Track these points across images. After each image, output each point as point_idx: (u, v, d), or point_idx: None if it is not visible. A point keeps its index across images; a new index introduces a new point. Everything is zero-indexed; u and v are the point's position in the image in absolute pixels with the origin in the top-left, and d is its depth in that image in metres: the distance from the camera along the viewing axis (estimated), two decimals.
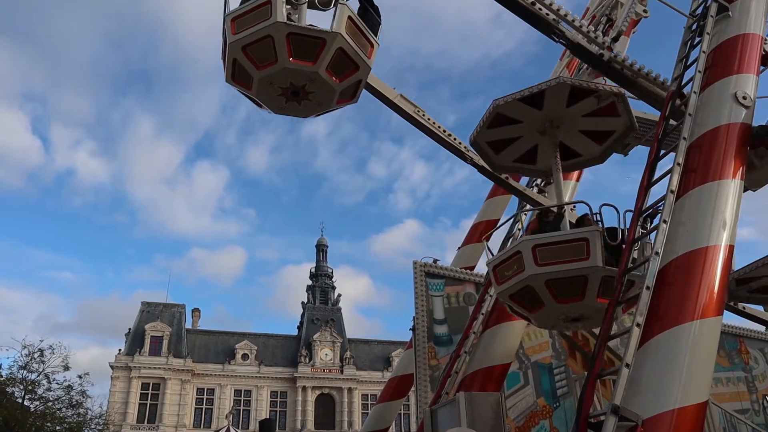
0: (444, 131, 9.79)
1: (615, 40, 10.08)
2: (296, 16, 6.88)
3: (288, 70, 6.81)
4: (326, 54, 6.72)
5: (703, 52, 7.96)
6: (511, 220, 10.50)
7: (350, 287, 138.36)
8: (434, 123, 9.67)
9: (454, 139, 9.85)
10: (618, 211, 7.02)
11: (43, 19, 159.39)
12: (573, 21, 8.75)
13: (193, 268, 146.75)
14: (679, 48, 8.66)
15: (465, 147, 9.81)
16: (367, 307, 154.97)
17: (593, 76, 10.69)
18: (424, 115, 9.57)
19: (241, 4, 7.01)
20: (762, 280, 10.68)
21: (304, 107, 7.50)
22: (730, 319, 14.76)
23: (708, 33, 8.12)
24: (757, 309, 11.04)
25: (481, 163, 9.38)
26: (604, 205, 7.13)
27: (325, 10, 7.01)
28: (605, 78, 9.44)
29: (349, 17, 6.79)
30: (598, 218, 7.13)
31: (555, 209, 7.75)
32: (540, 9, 8.60)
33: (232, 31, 6.73)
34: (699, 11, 8.73)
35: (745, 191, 7.19)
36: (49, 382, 41.66)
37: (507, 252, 7.09)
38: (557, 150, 8.15)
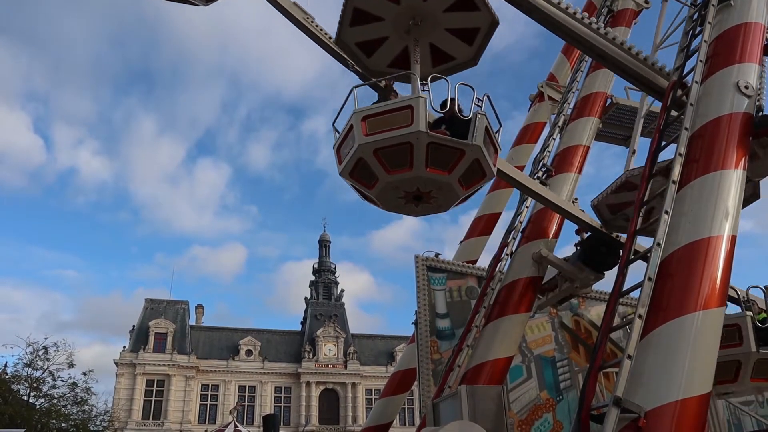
0: (330, 38, 9.41)
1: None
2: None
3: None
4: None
5: (705, 41, 7.90)
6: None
7: (351, 283, 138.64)
8: (322, 30, 9.34)
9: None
10: (449, 83, 6.80)
11: (45, 19, 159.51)
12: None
13: (195, 266, 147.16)
14: (680, 38, 8.61)
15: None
16: (367, 303, 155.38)
17: None
18: (312, 21, 9.29)
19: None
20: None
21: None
22: (735, 310, 14.71)
23: (709, 22, 8.06)
24: (759, 297, 10.94)
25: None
26: (435, 78, 6.97)
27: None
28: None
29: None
30: (426, 88, 6.78)
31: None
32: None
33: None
34: (700, 1, 8.68)
35: (747, 181, 7.16)
36: (54, 380, 41.97)
37: (343, 130, 6.87)
38: (416, 46, 7.76)
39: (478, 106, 6.68)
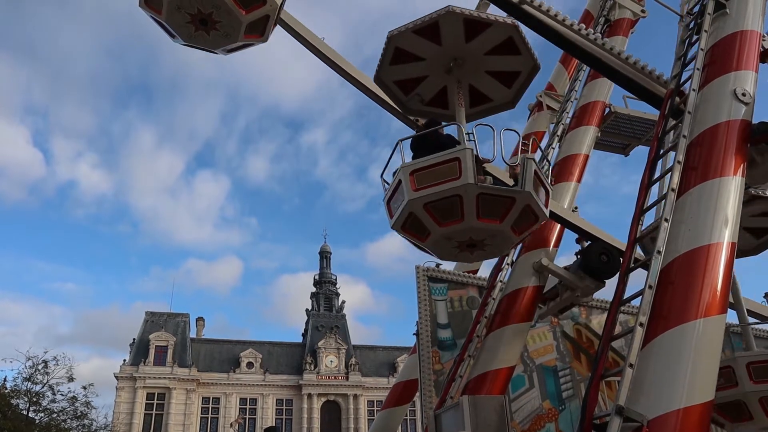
0: (347, 64, 9.45)
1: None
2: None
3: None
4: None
5: (701, 49, 7.94)
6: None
7: (348, 295, 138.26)
8: (362, 75, 9.39)
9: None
10: (494, 129, 6.83)
11: (43, 32, 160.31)
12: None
13: (191, 278, 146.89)
14: (676, 46, 8.65)
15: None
16: (364, 315, 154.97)
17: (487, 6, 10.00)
18: (351, 66, 9.34)
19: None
20: None
21: (213, 38, 7.52)
22: (735, 318, 14.67)
23: (706, 30, 8.11)
24: (761, 305, 10.94)
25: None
26: (479, 124, 7.00)
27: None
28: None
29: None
30: (472, 138, 6.90)
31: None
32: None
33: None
34: (696, 9, 8.73)
35: (746, 188, 7.17)
36: (54, 394, 41.65)
37: (392, 184, 6.91)
38: (460, 88, 7.84)
39: (525, 150, 6.73)
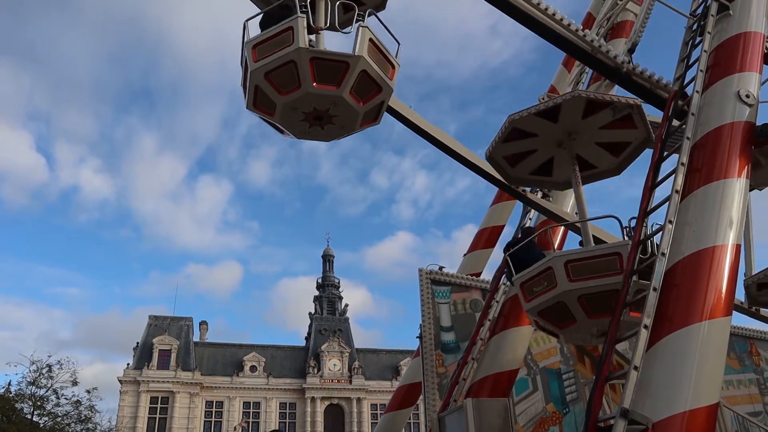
0: (455, 143, 9.77)
1: (631, 51, 10.06)
2: (315, 40, 6.84)
3: (312, 95, 6.71)
4: (350, 77, 6.64)
5: (705, 51, 7.92)
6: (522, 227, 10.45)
7: (349, 298, 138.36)
8: (452, 140, 9.69)
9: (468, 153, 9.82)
10: (646, 225, 6.91)
11: (46, 38, 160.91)
12: (594, 42, 8.70)
13: (192, 283, 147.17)
14: (680, 48, 8.63)
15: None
16: (365, 318, 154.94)
17: (609, 87, 10.61)
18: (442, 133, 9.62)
19: (261, 30, 6.92)
20: None
21: (327, 131, 7.38)
22: (740, 320, 14.64)
23: (709, 32, 8.09)
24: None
25: (497, 176, 9.29)
26: (633, 218, 7.00)
27: (346, 33, 6.96)
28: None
29: (371, 39, 6.71)
30: (628, 231, 6.98)
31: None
32: (560, 29, 8.57)
33: (254, 59, 6.63)
34: (699, 11, 8.71)
35: (750, 190, 7.14)
36: (58, 398, 41.62)
37: (537, 268, 7.00)
38: (575, 162, 8.06)
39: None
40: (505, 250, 7.60)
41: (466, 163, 9.68)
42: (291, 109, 6.96)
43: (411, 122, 9.27)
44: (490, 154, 8.34)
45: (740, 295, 12.39)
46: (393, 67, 7.09)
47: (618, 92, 11.09)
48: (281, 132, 7.60)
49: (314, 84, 6.61)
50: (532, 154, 8.44)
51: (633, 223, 6.91)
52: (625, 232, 7.08)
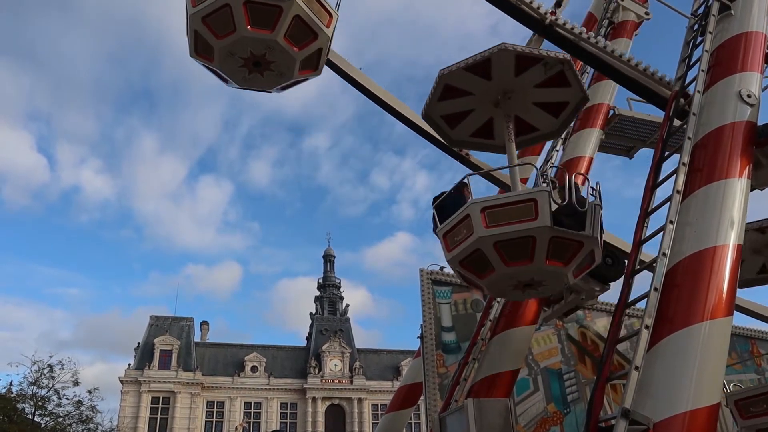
0: (397, 102, 9.60)
1: (558, 4, 9.79)
2: None
3: (246, 38, 6.86)
4: (283, 21, 6.77)
5: (706, 51, 7.92)
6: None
7: (348, 299, 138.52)
8: (395, 99, 9.49)
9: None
10: (567, 174, 6.83)
11: (46, 39, 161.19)
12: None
13: (191, 283, 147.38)
14: (681, 48, 8.62)
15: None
16: (364, 319, 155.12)
17: (539, 42, 10.26)
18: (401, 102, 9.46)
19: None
20: None
21: (267, 78, 7.53)
22: (741, 320, 14.64)
23: (710, 32, 8.08)
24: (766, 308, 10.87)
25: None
26: (554, 166, 6.99)
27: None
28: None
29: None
30: (547, 180, 6.91)
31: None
32: None
33: (192, 4, 6.79)
34: (701, 10, 8.71)
35: (752, 190, 7.13)
36: (59, 398, 41.69)
37: (457, 216, 6.87)
38: (510, 122, 7.90)
39: (593, 195, 6.74)
40: (433, 202, 7.43)
41: (408, 124, 9.45)
42: (228, 54, 7.13)
43: (351, 78, 9.05)
44: (425, 112, 8.16)
45: (740, 294, 12.39)
46: (330, 15, 7.21)
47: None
48: (224, 81, 7.75)
49: (248, 27, 6.73)
50: (470, 114, 8.28)
51: (552, 172, 6.88)
52: (541, 180, 7.03)
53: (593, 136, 11.18)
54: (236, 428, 55.55)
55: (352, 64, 9.14)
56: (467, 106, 8.12)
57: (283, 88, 8.08)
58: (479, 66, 7.33)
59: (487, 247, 6.56)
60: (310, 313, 78.16)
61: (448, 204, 7.05)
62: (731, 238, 6.12)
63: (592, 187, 6.79)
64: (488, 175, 10.33)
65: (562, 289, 7.33)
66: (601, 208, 6.78)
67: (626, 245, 9.76)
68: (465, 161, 8.95)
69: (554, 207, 6.47)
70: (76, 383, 41.85)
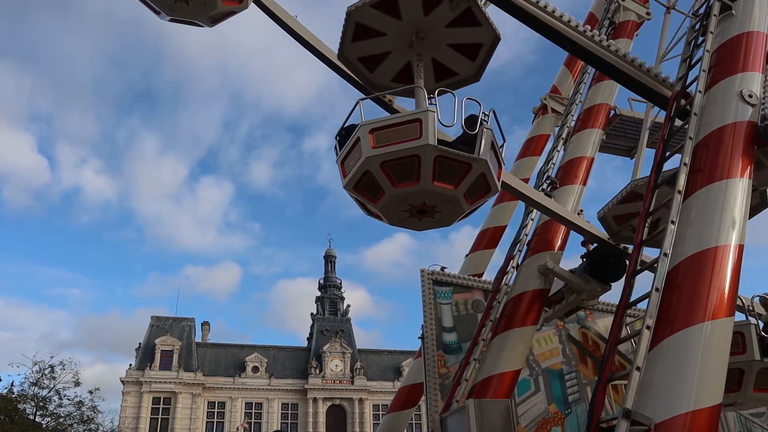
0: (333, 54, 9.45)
1: None
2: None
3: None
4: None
5: (707, 51, 7.90)
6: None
7: (348, 299, 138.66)
8: (325, 46, 9.36)
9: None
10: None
11: (47, 40, 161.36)
12: None
13: (191, 284, 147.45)
14: (682, 48, 8.62)
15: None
16: (364, 320, 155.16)
17: None
18: (315, 37, 9.30)
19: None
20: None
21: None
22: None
23: (711, 32, 8.07)
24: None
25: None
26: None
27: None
28: None
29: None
30: (433, 102, 6.75)
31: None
32: None
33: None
34: (702, 11, 8.69)
35: (753, 190, 7.12)
36: (60, 398, 41.77)
37: (350, 141, 6.81)
38: (419, 59, 7.73)
39: (485, 120, 6.69)
40: (336, 136, 7.36)
41: (330, 65, 9.28)
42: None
43: (281, 20, 8.96)
44: (340, 52, 7.98)
45: (742, 292, 12.36)
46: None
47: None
48: (156, 12, 7.84)
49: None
50: (388, 56, 8.07)
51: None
52: (428, 102, 6.95)
53: (594, 136, 11.17)
54: (237, 429, 55.57)
55: (286, 11, 8.99)
56: (383, 48, 7.91)
57: (215, 22, 7.99)
58: (386, 3, 7.18)
59: (375, 168, 6.53)
60: (311, 314, 78.16)
61: (349, 134, 6.97)
62: (732, 239, 6.11)
63: (484, 113, 6.74)
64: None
65: (458, 218, 7.18)
66: (498, 138, 6.74)
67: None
68: (388, 108, 8.81)
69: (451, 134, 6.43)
70: (77, 384, 41.94)
